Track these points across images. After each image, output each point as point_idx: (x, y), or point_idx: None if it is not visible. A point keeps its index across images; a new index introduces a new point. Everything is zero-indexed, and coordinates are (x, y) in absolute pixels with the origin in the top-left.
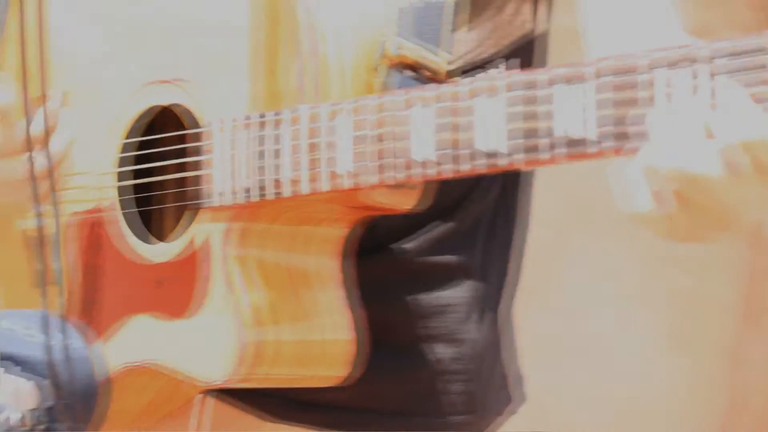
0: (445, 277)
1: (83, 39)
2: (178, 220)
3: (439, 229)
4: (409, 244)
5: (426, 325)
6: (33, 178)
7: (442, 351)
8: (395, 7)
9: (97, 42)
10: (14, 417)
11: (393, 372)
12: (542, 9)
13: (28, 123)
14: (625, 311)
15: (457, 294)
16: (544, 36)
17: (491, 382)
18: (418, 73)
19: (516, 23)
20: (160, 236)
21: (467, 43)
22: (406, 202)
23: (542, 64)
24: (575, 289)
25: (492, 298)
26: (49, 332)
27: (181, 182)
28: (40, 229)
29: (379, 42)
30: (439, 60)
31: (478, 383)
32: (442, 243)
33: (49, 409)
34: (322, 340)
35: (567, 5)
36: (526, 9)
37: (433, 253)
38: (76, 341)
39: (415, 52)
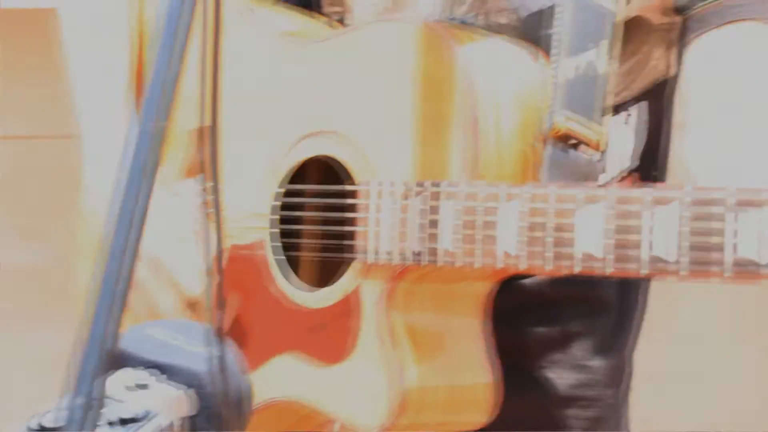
0: (579, 306)
1: (246, 80)
2: (319, 267)
3: None
4: (541, 278)
5: (557, 352)
6: (217, 210)
7: (572, 378)
8: (559, 78)
9: (260, 84)
10: (165, 423)
11: (522, 396)
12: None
13: (213, 155)
14: (732, 347)
15: (590, 323)
16: (674, 79)
17: (622, 409)
18: (581, 147)
19: (660, 68)
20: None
21: (614, 86)
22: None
23: (670, 106)
24: (683, 324)
25: (623, 328)
26: (217, 345)
27: (333, 232)
28: (219, 253)
29: (544, 114)
30: (601, 132)
31: (607, 409)
32: (576, 277)
33: (201, 418)
34: (473, 385)
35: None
36: (671, 54)
37: (567, 284)
38: (237, 358)
39: (580, 125)
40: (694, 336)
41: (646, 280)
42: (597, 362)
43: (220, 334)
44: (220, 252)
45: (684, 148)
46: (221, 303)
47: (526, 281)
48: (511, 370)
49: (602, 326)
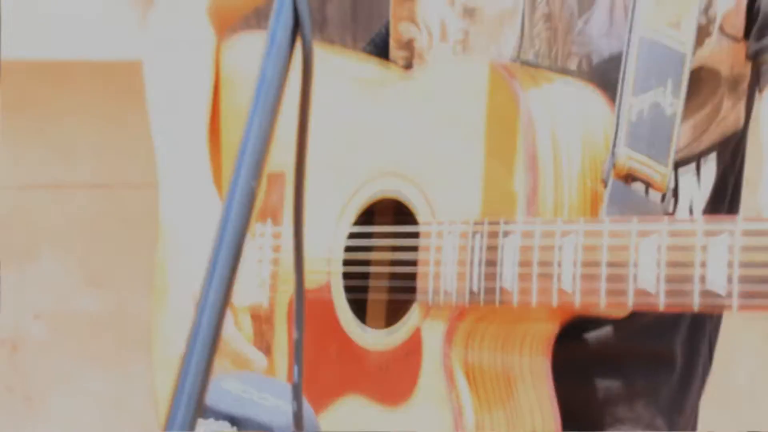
0: (643, 362)
1: (319, 124)
2: (386, 308)
3: (640, 318)
4: (606, 331)
5: (620, 408)
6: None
7: None
8: (624, 116)
9: (330, 128)
10: None
11: None
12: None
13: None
14: None
15: (654, 379)
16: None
17: None
18: (645, 187)
19: (730, 120)
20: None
21: (683, 138)
22: (620, 313)
23: (743, 159)
24: (742, 385)
25: (689, 387)
26: (295, 400)
27: (395, 273)
28: (298, 300)
29: (608, 152)
30: (666, 173)
31: None
32: (642, 331)
33: None
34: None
35: None
36: (741, 107)
37: (630, 339)
38: (309, 410)
39: (644, 164)
40: (750, 398)
41: (713, 335)
42: (661, 419)
43: (298, 390)
44: (301, 309)
45: (759, 201)
46: (300, 359)
47: (590, 336)
48: (573, 426)
49: (667, 382)
